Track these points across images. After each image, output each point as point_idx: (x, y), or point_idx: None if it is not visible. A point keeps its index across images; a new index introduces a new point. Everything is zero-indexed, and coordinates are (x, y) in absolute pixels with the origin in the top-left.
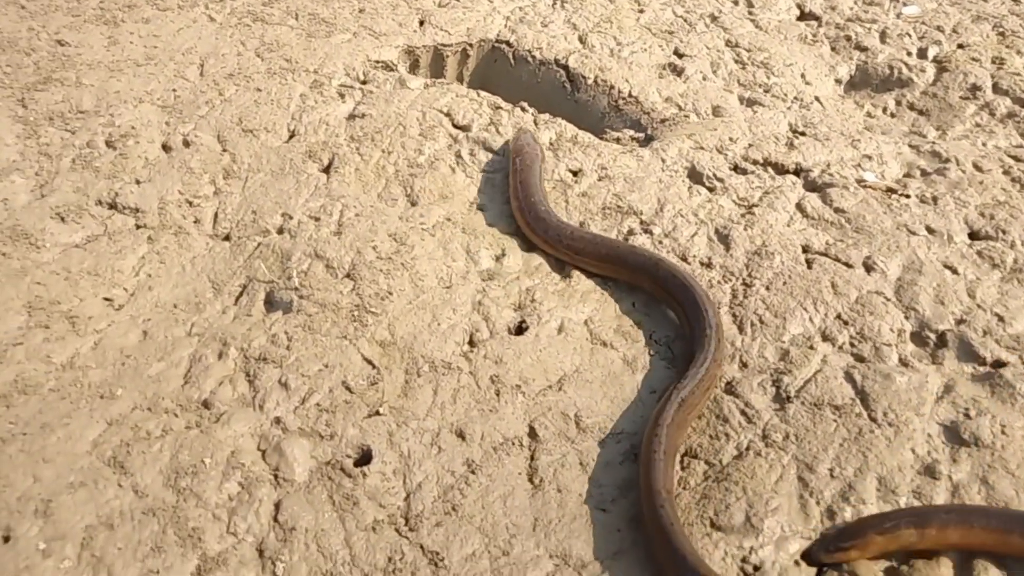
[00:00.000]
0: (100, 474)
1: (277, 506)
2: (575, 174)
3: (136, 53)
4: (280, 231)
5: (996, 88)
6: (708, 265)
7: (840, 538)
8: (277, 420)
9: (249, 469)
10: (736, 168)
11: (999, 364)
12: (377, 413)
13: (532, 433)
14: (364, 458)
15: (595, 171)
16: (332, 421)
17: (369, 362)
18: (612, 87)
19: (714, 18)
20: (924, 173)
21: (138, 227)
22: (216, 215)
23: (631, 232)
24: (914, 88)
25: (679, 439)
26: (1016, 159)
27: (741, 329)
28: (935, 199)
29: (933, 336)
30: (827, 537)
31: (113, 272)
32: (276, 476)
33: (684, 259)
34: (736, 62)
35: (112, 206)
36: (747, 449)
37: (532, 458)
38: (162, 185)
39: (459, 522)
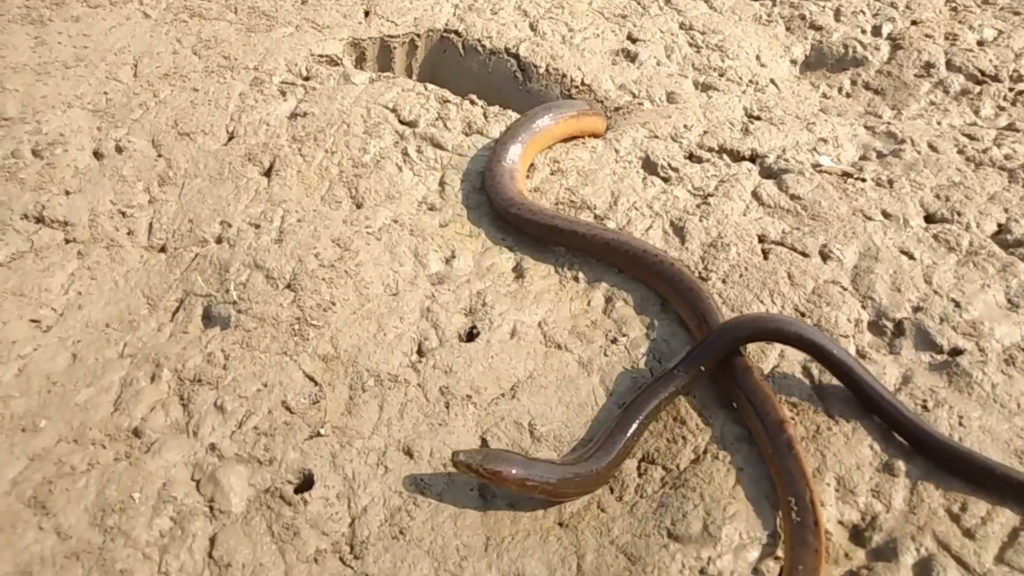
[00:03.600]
0: (19, 517)
1: (212, 541)
2: (527, 169)
3: (65, 54)
4: (218, 240)
5: (949, 65)
6: None
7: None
8: (212, 447)
9: (182, 502)
10: (691, 156)
11: (956, 352)
12: (319, 434)
13: (484, 445)
14: (305, 483)
15: (547, 164)
16: (271, 445)
17: (311, 379)
18: (564, 76)
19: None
20: (880, 155)
21: (67, 241)
22: (151, 225)
23: None
24: (869, 67)
25: None
26: (970, 137)
27: None
28: (891, 182)
29: (890, 325)
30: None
31: (40, 291)
32: (211, 508)
33: None
34: (690, 45)
35: (39, 220)
36: (704, 452)
37: None
38: (93, 195)
39: (407, 547)
